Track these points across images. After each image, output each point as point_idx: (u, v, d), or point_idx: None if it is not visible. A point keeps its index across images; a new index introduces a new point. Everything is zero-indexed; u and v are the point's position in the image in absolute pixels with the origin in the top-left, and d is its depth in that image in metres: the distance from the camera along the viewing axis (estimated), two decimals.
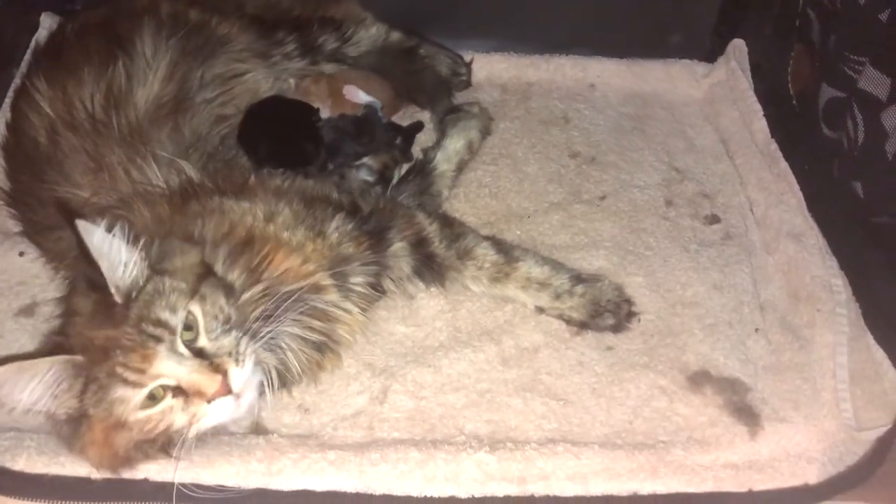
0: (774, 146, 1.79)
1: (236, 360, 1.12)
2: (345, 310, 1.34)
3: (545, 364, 1.43)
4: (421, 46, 1.92)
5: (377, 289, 1.42)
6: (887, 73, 1.44)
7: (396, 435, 1.33)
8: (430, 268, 1.48)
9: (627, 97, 2.00)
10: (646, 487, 1.26)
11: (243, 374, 1.13)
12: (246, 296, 1.20)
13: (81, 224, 1.08)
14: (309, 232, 1.32)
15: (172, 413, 1.10)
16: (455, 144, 1.73)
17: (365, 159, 1.60)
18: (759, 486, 1.25)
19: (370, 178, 1.57)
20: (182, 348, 1.10)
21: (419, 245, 1.46)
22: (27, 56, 1.80)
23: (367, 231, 1.39)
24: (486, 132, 1.82)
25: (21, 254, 1.56)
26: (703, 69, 2.04)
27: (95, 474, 1.21)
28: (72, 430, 1.13)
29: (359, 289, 1.37)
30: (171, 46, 1.52)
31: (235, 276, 1.22)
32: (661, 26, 2.06)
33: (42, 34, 1.86)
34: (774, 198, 1.70)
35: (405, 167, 1.70)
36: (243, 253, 1.24)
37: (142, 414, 1.09)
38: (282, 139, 1.54)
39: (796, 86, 1.82)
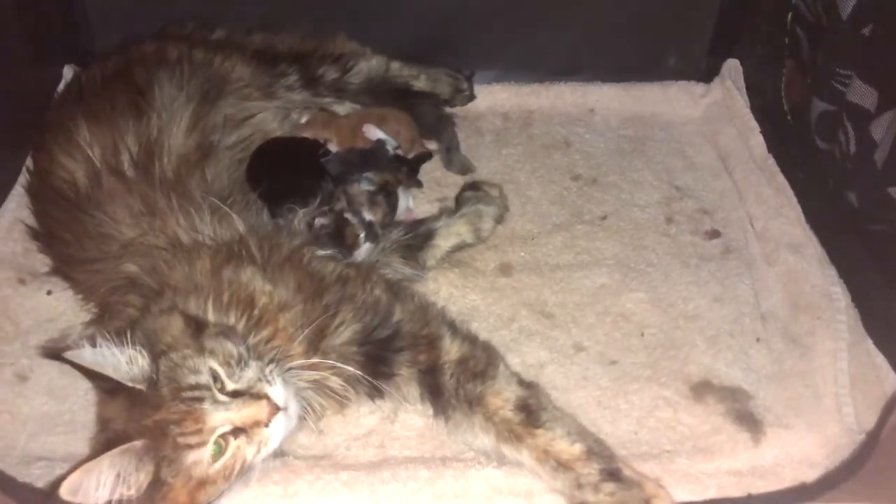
0: (772, 161, 1.84)
1: (268, 382, 1.20)
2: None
3: (551, 379, 1.46)
4: (420, 76, 2.00)
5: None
6: (873, 85, 1.48)
7: (407, 453, 1.36)
8: (436, 399, 1.35)
9: (627, 120, 2.05)
10: None
11: (280, 389, 1.20)
12: (254, 339, 1.27)
13: (70, 355, 1.14)
14: (305, 338, 1.31)
15: (241, 451, 1.18)
16: (460, 228, 1.68)
17: (367, 173, 1.66)
18: (761, 491, 1.27)
19: (372, 188, 1.61)
20: (221, 397, 1.17)
21: (429, 372, 1.35)
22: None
23: (369, 352, 1.34)
24: (500, 220, 1.75)
25: (49, 292, 1.62)
26: (701, 90, 2.10)
27: None
28: (147, 496, 1.15)
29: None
30: (189, 94, 1.60)
31: (234, 321, 1.28)
32: (658, 50, 2.13)
33: None
34: (773, 211, 1.74)
35: (413, 200, 1.75)
36: (246, 315, 1.29)
37: (218, 465, 1.16)
38: (281, 177, 1.59)
39: (790, 101, 1.86)
